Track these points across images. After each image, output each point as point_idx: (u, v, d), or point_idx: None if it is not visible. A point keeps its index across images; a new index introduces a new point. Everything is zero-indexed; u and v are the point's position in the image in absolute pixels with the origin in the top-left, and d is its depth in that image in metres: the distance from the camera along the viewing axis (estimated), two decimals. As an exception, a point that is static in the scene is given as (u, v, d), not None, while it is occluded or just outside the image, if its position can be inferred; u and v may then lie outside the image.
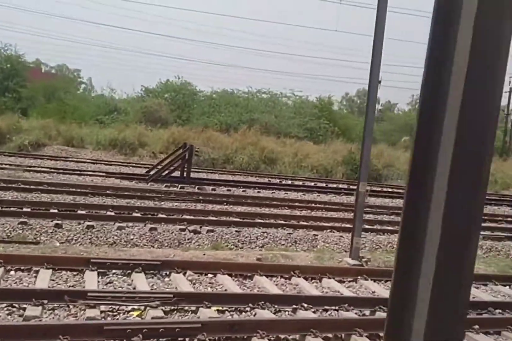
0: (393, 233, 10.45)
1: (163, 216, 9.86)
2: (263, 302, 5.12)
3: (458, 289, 1.05)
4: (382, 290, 6.27)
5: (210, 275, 6.17)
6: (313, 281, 6.45)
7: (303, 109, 38.96)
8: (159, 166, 15.88)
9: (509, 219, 14.45)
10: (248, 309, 5.12)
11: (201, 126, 29.07)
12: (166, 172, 15.39)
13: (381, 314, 5.32)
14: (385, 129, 42.66)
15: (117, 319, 4.55)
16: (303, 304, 5.24)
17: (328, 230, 10.06)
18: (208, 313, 4.84)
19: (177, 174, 15.95)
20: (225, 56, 76.29)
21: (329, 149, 24.57)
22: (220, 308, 5.10)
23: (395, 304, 1.14)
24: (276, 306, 5.17)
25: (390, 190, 19.76)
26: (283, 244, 9.10)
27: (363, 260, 8.05)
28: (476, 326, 4.99)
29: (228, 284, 5.88)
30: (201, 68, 79.29)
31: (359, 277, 6.62)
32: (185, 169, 15.71)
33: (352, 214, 12.70)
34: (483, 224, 12.85)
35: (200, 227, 9.20)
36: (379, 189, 19.64)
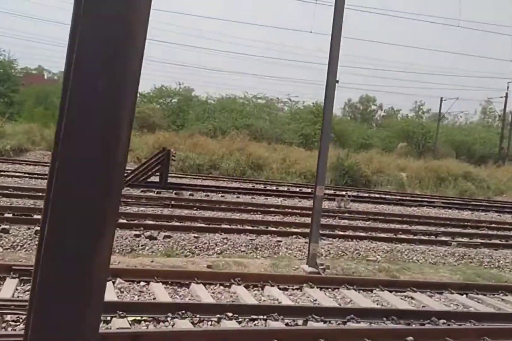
0: (363, 239, 10.10)
1: (124, 221, 9.56)
2: (184, 312, 4.81)
3: (81, 287, 0.90)
4: (325, 298, 5.93)
5: (142, 283, 5.86)
6: (255, 289, 6.12)
7: (299, 115, 38.74)
8: (137, 172, 15.61)
9: (493, 225, 14.06)
10: (169, 319, 4.80)
11: (195, 132, 28.99)
12: (143, 177, 15.13)
13: (313, 324, 4.99)
14: (383, 135, 42.35)
15: (15, 329, 4.25)
16: (228, 313, 4.92)
17: (294, 236, 9.72)
18: (120, 323, 4.53)
19: (157, 179, 15.72)
20: (222, 62, 75.98)
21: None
22: (139, 318, 4.79)
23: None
24: (198, 316, 4.85)
25: (377, 195, 19.42)
26: (243, 251, 8.78)
27: (321, 267, 7.71)
28: (410, 338, 4.65)
29: (159, 292, 5.57)
30: (197, 74, 79.34)
31: (304, 285, 6.29)
32: (163, 174, 15.47)
33: (327, 219, 12.44)
34: (462, 231, 12.50)
35: (158, 233, 8.89)
36: (366, 195, 19.32)
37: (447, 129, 42.72)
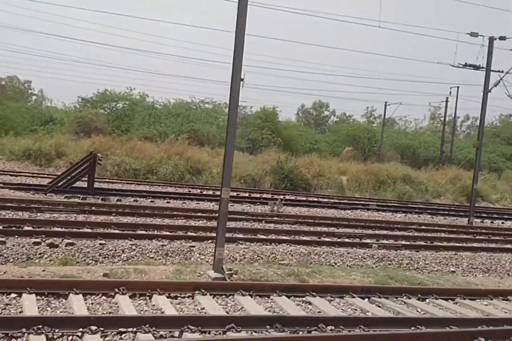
0: (282, 242, 9.84)
1: (30, 228, 8.99)
2: (40, 326, 4.37)
3: None
4: (214, 306, 5.59)
5: (13, 295, 5.37)
6: (141, 298, 5.72)
7: (246, 119, 38.53)
8: (62, 177, 14.95)
9: (422, 227, 14.13)
10: (24, 335, 4.35)
11: (139, 136, 28.40)
12: (67, 182, 14.49)
13: (187, 335, 4.64)
14: (331, 140, 42.71)
15: None
16: (92, 327, 4.51)
17: (210, 241, 9.35)
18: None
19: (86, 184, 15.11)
20: (168, 66, 74.57)
21: (259, 159, 24.06)
22: (-10, 334, 4.32)
23: None
24: (56, 330, 4.42)
25: (315, 199, 19.32)
26: (151, 257, 8.36)
27: (228, 272, 7.40)
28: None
29: (28, 305, 5.10)
30: (143, 78, 78.32)
31: (197, 292, 5.93)
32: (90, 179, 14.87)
33: (253, 223, 12.15)
34: (389, 233, 12.43)
35: (62, 240, 8.37)
36: (304, 198, 19.20)
37: (392, 134, 43.43)
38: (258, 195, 18.80)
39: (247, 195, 18.76)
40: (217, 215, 12.56)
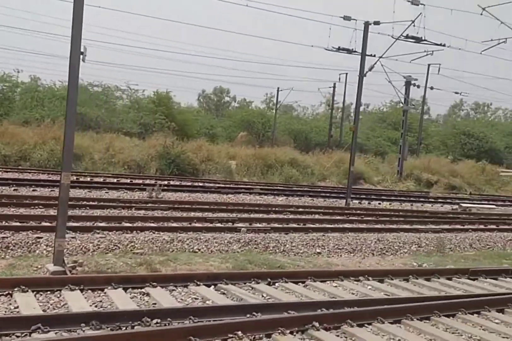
0: (145, 230, 9.30)
1: None
2: None
3: None
4: (31, 305, 4.97)
5: None
6: None
7: (138, 103, 37.22)
8: None
9: (299, 209, 14.23)
10: None
11: (20, 121, 26.41)
12: None
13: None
14: (226, 125, 42.56)
15: None
16: None
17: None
18: None
19: None
20: (54, 46, 69.86)
21: (146, 144, 23.20)
22: None
23: None
24: None
25: (200, 184, 18.96)
26: (-13, 251, 7.50)
27: (70, 265, 6.77)
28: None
29: None
30: (25, 59, 73.20)
31: (16, 289, 5.28)
32: None
33: (121, 210, 11.50)
34: (264, 216, 12.34)
35: None
36: (189, 184, 18.77)
37: (286, 119, 44.14)
38: (140, 181, 18.05)
39: (128, 181, 17.97)
40: (84, 202, 11.92)
